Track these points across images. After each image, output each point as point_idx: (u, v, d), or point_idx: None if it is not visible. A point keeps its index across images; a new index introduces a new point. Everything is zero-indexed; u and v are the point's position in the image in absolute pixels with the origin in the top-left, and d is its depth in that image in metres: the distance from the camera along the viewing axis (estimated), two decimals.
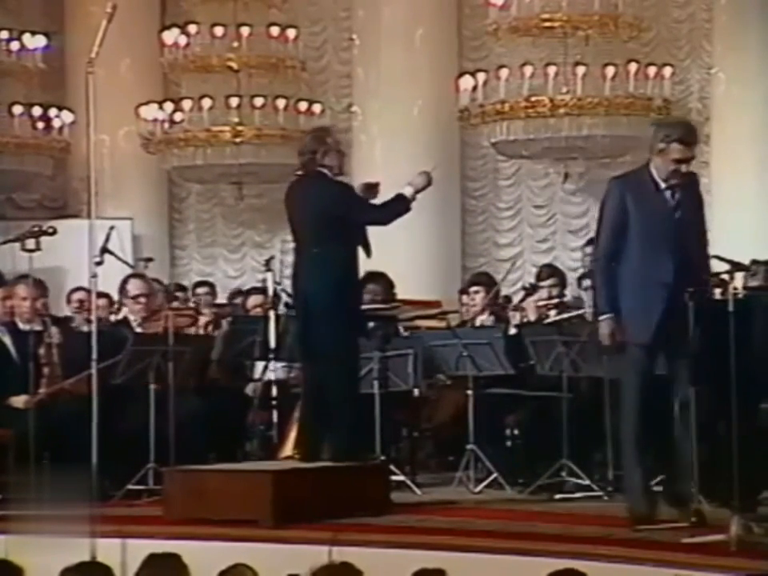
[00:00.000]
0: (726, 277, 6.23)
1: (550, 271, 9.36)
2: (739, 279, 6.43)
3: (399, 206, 7.31)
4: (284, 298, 8.52)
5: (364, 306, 7.75)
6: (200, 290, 10.37)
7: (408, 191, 7.31)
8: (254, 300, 9.53)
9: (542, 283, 9.08)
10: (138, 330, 8.40)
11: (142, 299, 8.56)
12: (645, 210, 6.28)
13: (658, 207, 6.29)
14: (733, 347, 5.85)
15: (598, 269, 6.48)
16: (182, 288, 10.72)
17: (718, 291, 6.78)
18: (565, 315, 8.55)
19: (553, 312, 8.82)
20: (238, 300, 10.69)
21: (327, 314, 7.09)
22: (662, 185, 6.31)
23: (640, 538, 6.12)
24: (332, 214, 7.14)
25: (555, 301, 8.89)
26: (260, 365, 8.74)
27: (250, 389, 8.84)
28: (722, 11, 11.53)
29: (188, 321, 8.98)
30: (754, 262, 8.15)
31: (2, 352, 8.09)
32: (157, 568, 4.57)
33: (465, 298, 9.58)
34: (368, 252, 7.27)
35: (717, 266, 6.45)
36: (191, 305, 9.91)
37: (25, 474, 7.45)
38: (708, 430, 6.67)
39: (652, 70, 11.35)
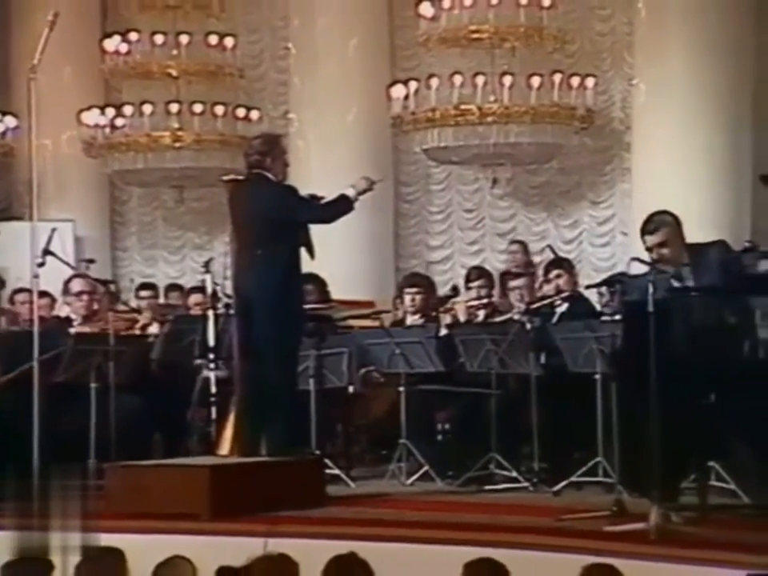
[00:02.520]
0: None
1: (478, 273, 9.41)
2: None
3: (342, 205, 7.32)
4: (224, 298, 8.48)
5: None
6: (143, 293, 10.24)
7: (350, 192, 7.32)
8: (194, 298, 9.48)
9: (471, 284, 9.14)
10: (79, 328, 8.33)
11: (85, 296, 8.53)
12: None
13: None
14: (653, 346, 5.90)
15: None
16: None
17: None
18: (497, 319, 8.59)
19: (482, 312, 8.86)
20: (175, 294, 10.64)
21: (270, 313, 7.07)
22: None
23: (563, 527, 6.16)
24: (276, 216, 7.11)
25: (484, 301, 8.94)
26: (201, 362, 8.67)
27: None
28: (642, 24, 11.64)
29: (127, 324, 8.92)
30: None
31: None
32: (97, 561, 4.53)
33: (404, 297, 9.53)
34: (311, 254, 7.26)
35: (636, 268, 6.51)
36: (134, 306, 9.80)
37: None
38: (629, 423, 6.74)
39: (576, 81, 11.43)
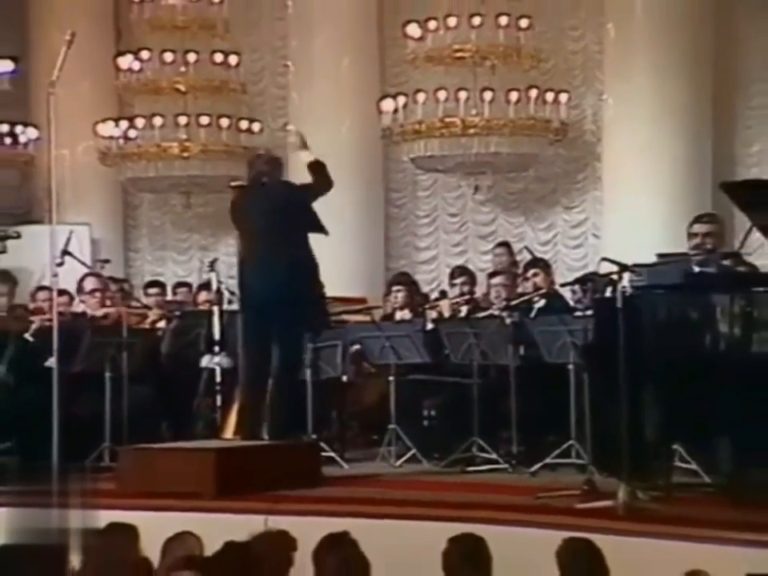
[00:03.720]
0: (615, 277, 6.29)
1: (461, 271, 9.44)
2: (627, 279, 6.48)
3: (320, 170, 7.28)
4: (227, 295, 8.46)
5: None
6: (152, 290, 10.23)
7: (307, 156, 7.29)
8: (204, 295, 9.49)
9: (455, 281, 9.16)
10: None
11: (97, 294, 8.54)
12: None
13: None
14: (621, 339, 5.91)
15: None
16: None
17: (609, 289, 6.84)
18: (479, 314, 8.60)
19: (464, 308, 8.87)
20: (183, 290, 10.64)
21: (277, 310, 7.03)
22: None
23: (540, 504, 6.16)
24: (296, 204, 7.07)
25: (466, 297, 8.95)
26: (207, 355, 8.65)
27: (206, 360, 8.59)
28: (611, 45, 11.65)
29: (139, 319, 8.91)
30: (639, 264, 8.23)
31: None
32: (112, 536, 4.52)
33: (391, 294, 9.56)
34: (325, 232, 7.20)
35: (606, 268, 6.51)
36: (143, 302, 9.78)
37: None
38: (599, 409, 6.74)
39: (550, 96, 11.42)
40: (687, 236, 6.90)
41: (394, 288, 9.24)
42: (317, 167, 7.25)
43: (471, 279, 9.22)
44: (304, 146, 7.30)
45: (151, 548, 4.55)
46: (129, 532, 4.58)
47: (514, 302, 8.30)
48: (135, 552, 4.46)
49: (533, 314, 8.18)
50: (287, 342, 7.15)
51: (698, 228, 6.75)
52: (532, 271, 8.59)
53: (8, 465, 7.32)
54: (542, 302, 8.31)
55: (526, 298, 8.38)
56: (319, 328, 7.97)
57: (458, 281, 9.12)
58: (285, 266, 7.04)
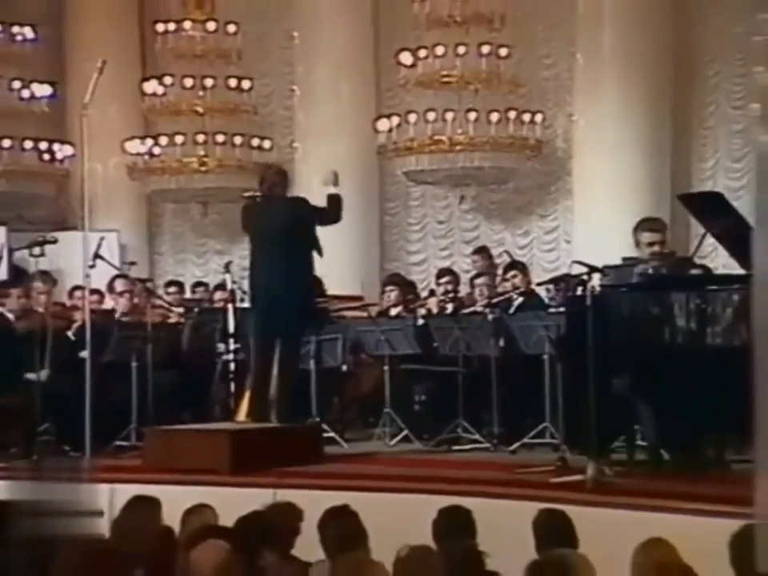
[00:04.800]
0: (585, 277, 6.29)
1: (446, 272, 9.45)
2: (596, 280, 6.48)
3: (338, 203, 7.28)
4: (240, 294, 8.44)
5: None
6: (171, 289, 10.22)
7: (332, 190, 7.29)
8: (220, 294, 9.48)
9: (441, 281, 9.17)
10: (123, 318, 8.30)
11: (126, 294, 8.54)
12: None
13: None
14: (590, 333, 5.90)
15: None
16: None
17: (579, 288, 6.83)
18: (465, 311, 8.59)
19: (450, 305, 8.87)
20: (201, 289, 10.64)
21: (288, 308, 7.01)
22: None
23: (518, 479, 6.16)
24: (304, 221, 7.06)
25: (451, 295, 8.96)
26: (222, 346, 8.63)
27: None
28: (580, 72, 11.67)
29: (162, 316, 8.89)
30: (606, 266, 8.23)
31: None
32: (137, 508, 4.51)
33: (385, 294, 9.54)
34: (320, 253, 7.19)
35: (577, 269, 6.50)
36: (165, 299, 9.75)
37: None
38: (570, 395, 6.74)
39: (527, 117, 11.43)
40: (638, 243, 6.36)
41: (388, 287, 9.27)
42: (336, 201, 7.25)
43: (455, 279, 9.23)
44: (335, 183, 7.31)
45: (172, 518, 4.54)
46: (152, 504, 4.57)
47: (495, 300, 8.30)
48: (158, 521, 4.44)
49: (512, 311, 8.18)
50: (289, 337, 7.13)
51: (650, 237, 6.34)
52: (511, 273, 8.59)
53: (45, 444, 7.30)
54: (520, 300, 8.31)
55: (505, 296, 8.38)
56: (318, 325, 7.97)
57: (443, 280, 9.13)
58: (286, 272, 7.02)
